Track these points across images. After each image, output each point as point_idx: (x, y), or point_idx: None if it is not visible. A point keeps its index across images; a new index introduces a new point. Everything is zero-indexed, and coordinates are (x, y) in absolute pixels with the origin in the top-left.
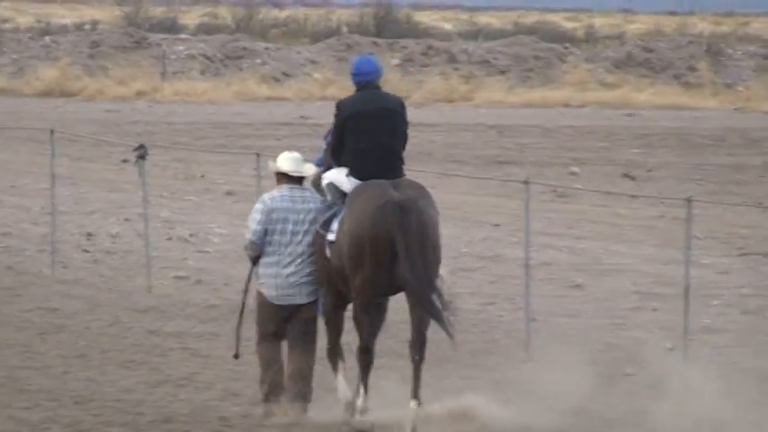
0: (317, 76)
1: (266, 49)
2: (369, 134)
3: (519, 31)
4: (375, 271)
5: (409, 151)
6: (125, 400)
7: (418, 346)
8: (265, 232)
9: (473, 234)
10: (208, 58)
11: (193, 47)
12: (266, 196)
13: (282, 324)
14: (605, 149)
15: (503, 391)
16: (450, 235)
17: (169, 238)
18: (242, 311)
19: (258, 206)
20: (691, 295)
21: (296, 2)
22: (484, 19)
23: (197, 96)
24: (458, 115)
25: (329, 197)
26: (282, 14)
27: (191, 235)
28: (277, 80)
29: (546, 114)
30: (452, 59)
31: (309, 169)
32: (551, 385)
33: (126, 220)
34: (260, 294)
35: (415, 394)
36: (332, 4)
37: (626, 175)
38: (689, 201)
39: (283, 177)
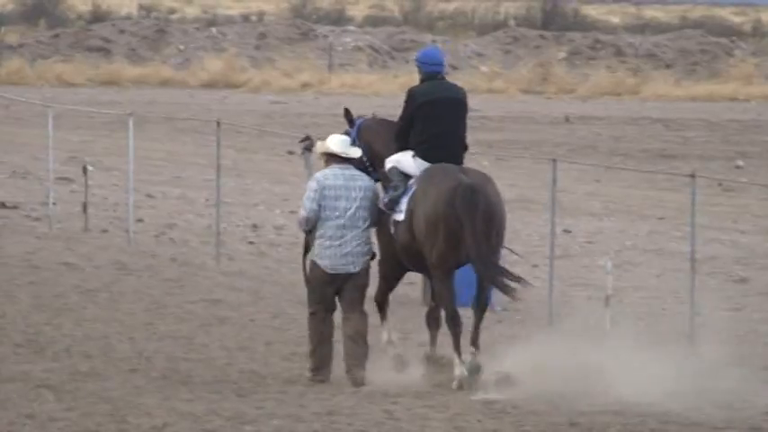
0: (483, 68)
1: (433, 41)
2: (439, 122)
3: (685, 25)
4: (449, 246)
5: (574, 144)
6: (288, 392)
7: (480, 303)
8: (320, 208)
9: (638, 227)
10: (375, 49)
11: (360, 39)
12: (319, 175)
13: (333, 293)
14: None
15: (667, 385)
16: (614, 228)
17: None
18: (305, 270)
19: (312, 184)
20: None
21: None
22: (650, 13)
23: (363, 88)
24: (623, 109)
25: (393, 179)
26: (450, 6)
27: None
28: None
29: (711, 108)
30: (619, 53)
31: (356, 152)
32: (714, 379)
33: (291, 212)
34: (313, 265)
35: (474, 342)
36: None
37: None
38: None
39: (332, 158)
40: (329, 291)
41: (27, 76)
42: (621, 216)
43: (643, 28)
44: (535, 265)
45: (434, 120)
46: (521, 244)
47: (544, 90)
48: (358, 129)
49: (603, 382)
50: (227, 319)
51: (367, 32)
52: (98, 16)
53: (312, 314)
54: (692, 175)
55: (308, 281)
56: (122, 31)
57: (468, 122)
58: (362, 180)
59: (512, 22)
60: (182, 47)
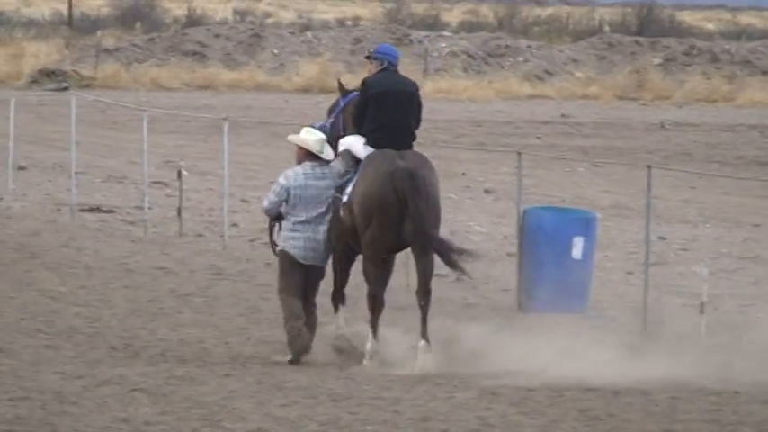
0: (578, 74)
1: (528, 47)
2: (390, 111)
3: None
4: (382, 228)
5: (669, 151)
6: (383, 398)
7: (423, 293)
8: (284, 204)
9: (733, 235)
10: (470, 55)
11: (455, 44)
12: (290, 172)
13: (302, 278)
14: None
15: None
16: (709, 235)
17: None
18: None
19: (281, 181)
20: None
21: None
22: (746, 19)
23: (458, 94)
24: (719, 115)
25: (344, 163)
26: (545, 12)
27: (450, 233)
28: (539, 78)
29: None
30: (714, 59)
31: (330, 155)
32: None
33: None
34: (285, 253)
35: (424, 335)
36: (594, 3)
37: None
38: None
39: (306, 153)
40: (298, 276)
41: (123, 80)
42: (717, 223)
43: (739, 34)
44: (630, 272)
45: (384, 110)
46: (616, 250)
47: (639, 96)
48: (347, 103)
49: (694, 391)
50: (322, 323)
51: (462, 38)
52: (193, 20)
53: (281, 291)
54: None
55: (280, 265)
56: (217, 36)
57: (422, 115)
58: (331, 178)
59: (607, 28)
60: (276, 51)
